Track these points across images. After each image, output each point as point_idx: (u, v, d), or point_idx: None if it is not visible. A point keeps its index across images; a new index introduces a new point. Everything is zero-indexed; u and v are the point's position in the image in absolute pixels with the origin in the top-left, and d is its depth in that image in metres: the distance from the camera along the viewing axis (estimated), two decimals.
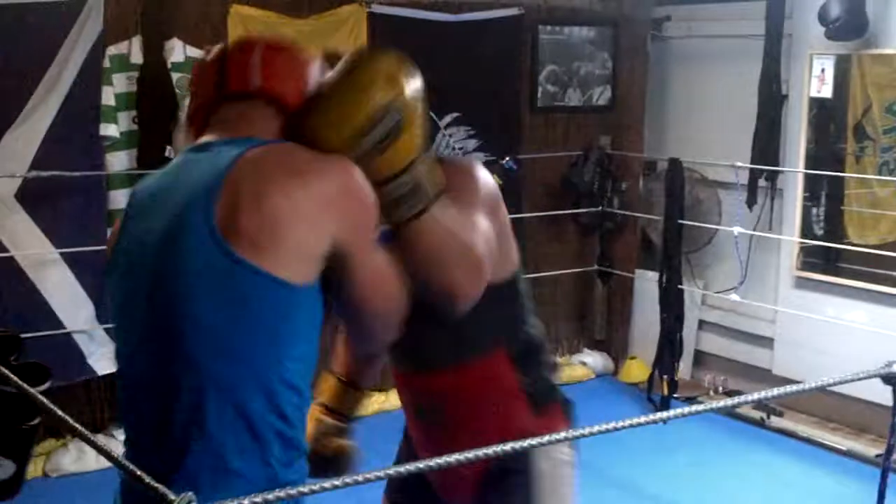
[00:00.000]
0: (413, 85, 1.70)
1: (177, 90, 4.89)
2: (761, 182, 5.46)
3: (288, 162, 1.59)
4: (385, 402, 5.19)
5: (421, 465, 1.32)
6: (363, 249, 1.62)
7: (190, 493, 1.21)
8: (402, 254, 1.73)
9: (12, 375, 1.47)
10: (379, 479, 1.30)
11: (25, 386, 1.46)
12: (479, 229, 1.84)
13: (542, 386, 2.09)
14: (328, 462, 2.11)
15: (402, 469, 1.37)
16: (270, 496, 1.21)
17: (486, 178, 1.98)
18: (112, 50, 4.77)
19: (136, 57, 4.83)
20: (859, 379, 1.70)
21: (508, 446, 1.33)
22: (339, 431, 2.17)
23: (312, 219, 1.55)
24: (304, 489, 1.25)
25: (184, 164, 1.67)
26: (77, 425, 1.40)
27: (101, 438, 1.52)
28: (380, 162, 1.67)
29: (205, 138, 1.69)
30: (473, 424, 2.05)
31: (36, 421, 1.52)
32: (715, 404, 1.61)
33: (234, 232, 1.52)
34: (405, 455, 2.24)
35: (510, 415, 2.04)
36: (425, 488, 2.17)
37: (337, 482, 1.26)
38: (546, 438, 1.40)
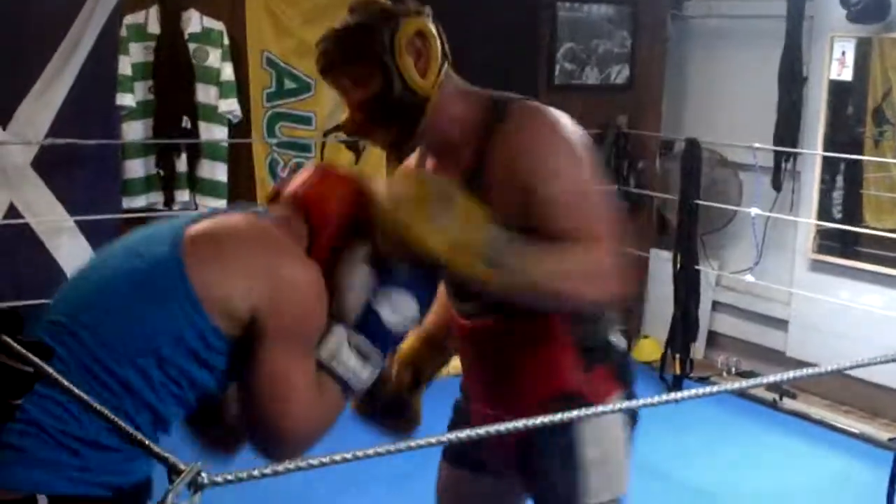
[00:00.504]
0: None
1: (193, 60, 4.88)
2: (784, 164, 5.42)
3: (270, 235, 1.69)
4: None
5: (451, 436, 1.31)
6: (278, 345, 1.62)
7: (199, 463, 1.20)
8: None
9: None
10: (421, 447, 1.30)
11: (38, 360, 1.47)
12: (593, 216, 1.86)
13: (595, 342, 2.02)
14: (391, 418, 2.14)
15: (445, 438, 1.36)
16: (282, 467, 1.20)
17: (570, 134, 1.93)
18: (129, 19, 4.77)
19: (153, 27, 4.82)
20: (876, 363, 1.69)
21: (539, 420, 1.32)
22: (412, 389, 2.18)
23: (249, 273, 1.61)
24: (315, 462, 1.25)
25: None
26: (85, 396, 1.40)
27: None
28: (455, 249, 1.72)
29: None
30: (521, 375, 2.02)
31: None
32: (730, 385, 1.61)
33: (191, 245, 1.63)
34: (462, 408, 2.21)
35: (557, 369, 2.00)
36: (474, 450, 2.14)
37: (348, 455, 1.26)
38: (559, 416, 1.38)
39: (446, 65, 1.92)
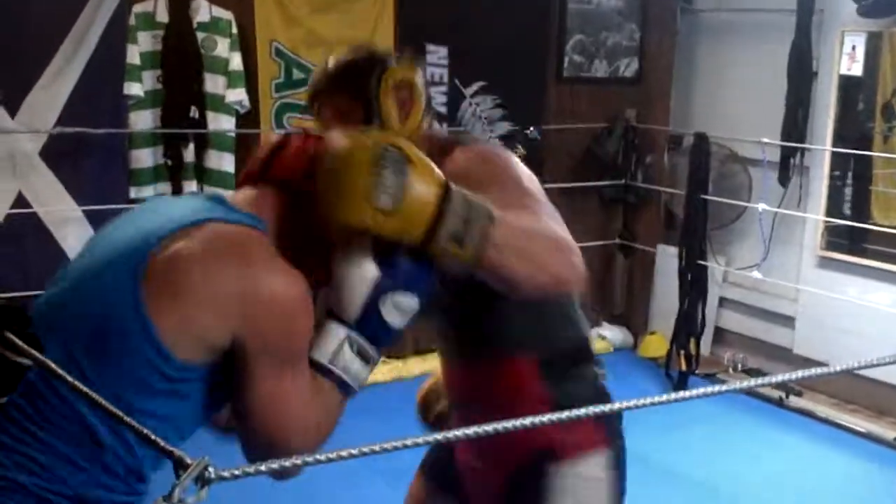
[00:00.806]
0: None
1: (202, 50, 4.88)
2: (792, 160, 5.40)
3: (244, 246, 1.56)
4: (402, 369, 5.21)
5: (451, 434, 1.31)
6: (264, 364, 1.54)
7: (206, 458, 1.20)
8: (492, 279, 1.70)
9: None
10: (406, 447, 1.29)
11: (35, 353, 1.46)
12: (543, 214, 1.81)
13: (573, 398, 1.93)
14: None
15: (442, 436, 1.35)
16: (289, 462, 1.20)
17: (517, 163, 1.94)
18: (138, 8, 4.76)
19: (162, 15, 4.81)
20: (886, 364, 1.68)
21: (526, 421, 1.31)
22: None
23: (221, 303, 1.51)
24: (322, 458, 1.24)
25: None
26: (87, 390, 1.40)
27: None
28: (410, 210, 1.57)
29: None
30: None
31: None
32: (737, 384, 1.59)
33: (152, 282, 1.51)
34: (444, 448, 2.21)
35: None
36: (457, 484, 2.15)
37: (354, 451, 1.25)
38: (541, 418, 1.36)
39: (427, 117, 1.96)
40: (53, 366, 1.40)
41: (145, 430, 1.33)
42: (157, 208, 1.69)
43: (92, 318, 1.54)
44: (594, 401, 1.89)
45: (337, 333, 1.63)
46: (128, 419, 1.27)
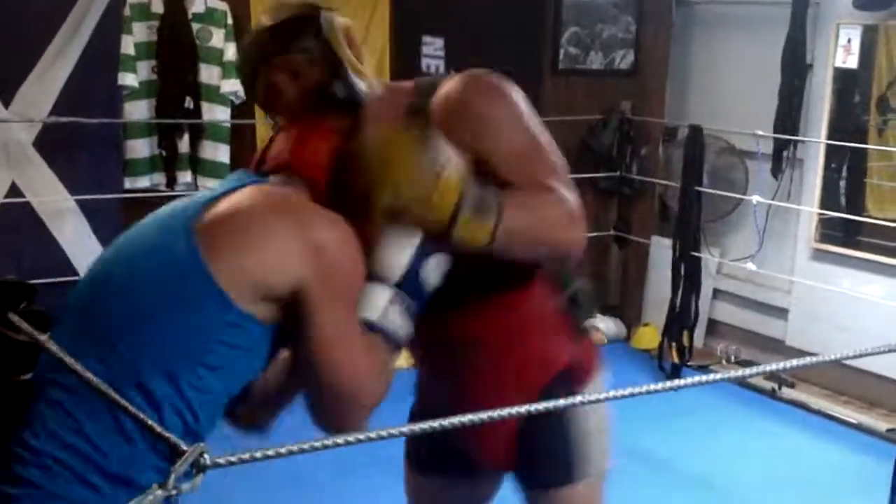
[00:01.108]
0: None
1: (197, 41, 4.87)
2: (785, 152, 5.41)
3: (287, 201, 1.63)
4: None
5: (455, 419, 1.31)
6: (328, 309, 1.58)
7: (202, 444, 1.21)
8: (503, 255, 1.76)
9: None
10: (404, 434, 1.30)
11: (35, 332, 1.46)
12: (550, 168, 1.86)
13: (581, 307, 2.03)
14: None
15: (447, 422, 1.35)
16: (284, 449, 1.20)
17: (518, 96, 1.91)
18: None
19: (157, 6, 4.81)
20: (876, 353, 1.68)
21: (541, 406, 1.32)
22: None
23: (281, 251, 1.55)
24: (318, 444, 1.25)
25: None
26: (87, 373, 1.40)
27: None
28: (437, 200, 1.67)
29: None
30: (515, 355, 2.00)
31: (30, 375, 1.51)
32: (729, 373, 1.60)
33: (206, 237, 1.55)
34: (420, 418, 2.14)
35: (553, 342, 2.01)
36: (457, 451, 2.12)
37: (350, 438, 1.26)
38: (565, 401, 1.38)
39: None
40: (57, 350, 1.40)
41: (141, 416, 1.33)
42: (187, 198, 1.72)
43: (145, 285, 1.55)
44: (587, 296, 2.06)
45: (383, 292, 1.69)
46: (123, 402, 1.28)
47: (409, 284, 1.71)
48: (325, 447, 1.21)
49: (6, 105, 4.50)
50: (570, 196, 1.84)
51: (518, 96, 1.91)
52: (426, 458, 2.19)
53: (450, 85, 1.88)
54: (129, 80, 4.75)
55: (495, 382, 2.01)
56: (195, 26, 4.86)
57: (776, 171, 5.43)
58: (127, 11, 4.73)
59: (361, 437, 1.24)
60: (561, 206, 1.82)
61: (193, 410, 1.50)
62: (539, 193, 1.82)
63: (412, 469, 2.24)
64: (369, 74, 1.85)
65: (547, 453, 2.04)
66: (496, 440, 2.04)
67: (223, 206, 1.59)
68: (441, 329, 1.98)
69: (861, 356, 1.71)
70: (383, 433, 1.25)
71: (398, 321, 1.70)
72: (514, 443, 2.04)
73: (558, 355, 2.00)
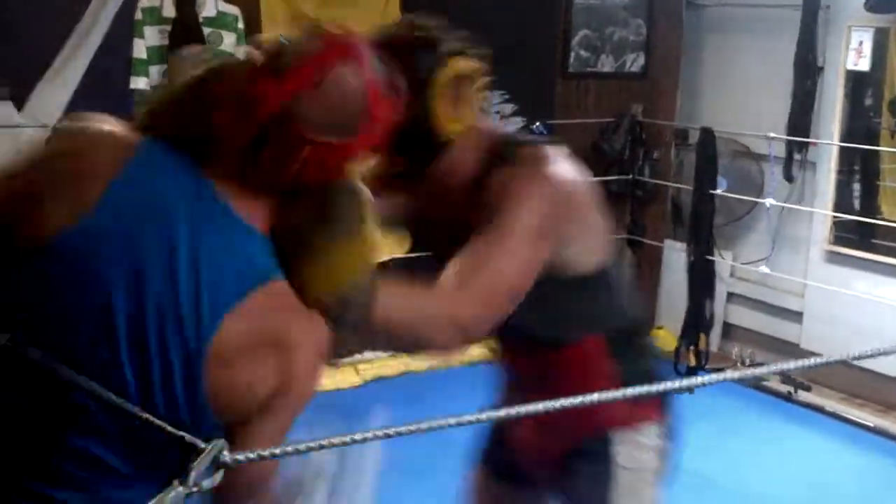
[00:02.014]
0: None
1: (208, 44, 4.87)
2: (797, 155, 5.39)
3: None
4: (411, 364, 5.20)
5: (471, 416, 1.30)
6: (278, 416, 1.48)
7: (221, 441, 1.19)
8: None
9: None
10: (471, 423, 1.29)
11: None
12: (505, 256, 1.80)
13: (636, 373, 1.96)
14: None
15: (455, 421, 1.35)
16: (302, 446, 1.19)
17: (551, 188, 1.88)
18: (144, 2, 4.75)
19: (169, 10, 4.81)
20: (887, 353, 1.67)
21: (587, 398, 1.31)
22: None
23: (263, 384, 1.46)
24: (336, 441, 1.23)
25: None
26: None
27: None
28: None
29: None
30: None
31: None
32: (733, 374, 1.60)
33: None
34: (498, 428, 2.26)
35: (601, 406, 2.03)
36: (514, 465, 2.21)
37: (368, 435, 1.25)
38: (579, 399, 1.37)
39: (476, 106, 1.89)
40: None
41: (158, 422, 1.32)
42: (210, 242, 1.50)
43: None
44: (653, 375, 2.01)
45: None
46: (135, 409, 1.27)
47: None
48: (344, 444, 1.20)
49: (19, 110, 4.51)
50: (474, 310, 1.78)
51: (553, 191, 1.89)
52: (503, 465, 2.25)
53: (515, 167, 1.87)
54: (140, 84, 4.75)
55: (544, 425, 2.06)
56: (206, 30, 4.86)
57: (788, 174, 5.41)
58: (138, 15, 4.73)
59: (379, 433, 1.23)
60: (443, 312, 1.76)
61: None
62: (437, 292, 1.77)
63: (487, 473, 2.30)
64: (460, 125, 1.81)
65: (582, 499, 2.12)
66: (544, 465, 2.14)
67: (257, 318, 1.45)
68: (513, 362, 2.14)
69: (869, 356, 1.70)
70: (390, 432, 1.24)
71: None
72: (560, 470, 2.12)
73: (601, 408, 1.92)
